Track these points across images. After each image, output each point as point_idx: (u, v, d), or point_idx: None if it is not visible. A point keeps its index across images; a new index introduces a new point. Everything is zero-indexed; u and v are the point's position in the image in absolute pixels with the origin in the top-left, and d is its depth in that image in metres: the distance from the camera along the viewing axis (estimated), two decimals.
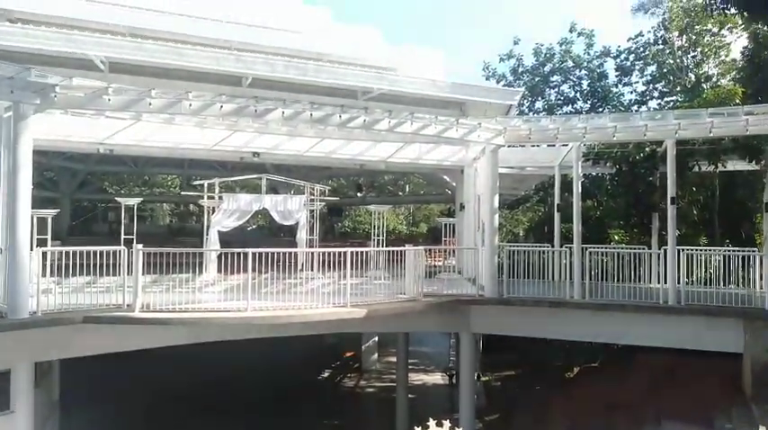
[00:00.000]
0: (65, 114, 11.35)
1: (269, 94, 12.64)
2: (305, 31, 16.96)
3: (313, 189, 14.70)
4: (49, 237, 10.92)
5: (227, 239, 13.25)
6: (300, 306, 10.16)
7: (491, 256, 12.21)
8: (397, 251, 11.87)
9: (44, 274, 9.14)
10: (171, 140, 12.85)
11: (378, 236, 15.03)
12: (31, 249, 9.15)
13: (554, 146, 14.32)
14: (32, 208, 9.15)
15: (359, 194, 28.91)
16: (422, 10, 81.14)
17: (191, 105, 9.58)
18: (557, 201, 15.19)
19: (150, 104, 9.34)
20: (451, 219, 16.68)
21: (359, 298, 10.86)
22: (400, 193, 30.72)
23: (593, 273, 12.29)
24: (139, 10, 14.51)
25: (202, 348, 11.21)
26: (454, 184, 17.79)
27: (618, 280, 12.09)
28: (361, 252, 11.42)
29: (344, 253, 10.76)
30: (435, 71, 17.49)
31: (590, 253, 12.19)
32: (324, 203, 15.73)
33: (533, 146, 14.56)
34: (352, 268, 10.74)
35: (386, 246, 14.27)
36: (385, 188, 30.87)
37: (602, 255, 12.74)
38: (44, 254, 9.20)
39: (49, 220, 11.19)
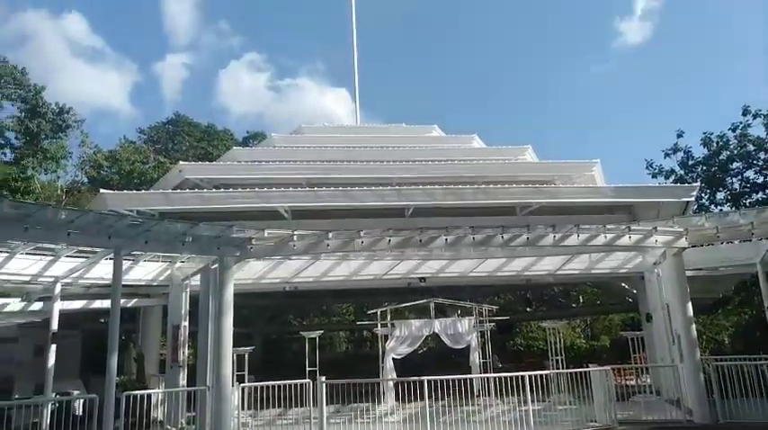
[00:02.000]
0: (257, 260, 12.95)
1: (430, 221, 13.30)
2: (459, 156, 17.84)
3: (481, 309, 14.52)
4: (246, 372, 12.02)
5: (398, 363, 13.43)
6: None
7: (695, 374, 10.69)
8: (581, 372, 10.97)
9: (243, 408, 10.02)
10: (345, 273, 13.87)
11: (556, 355, 14.09)
12: (232, 385, 10.15)
13: (749, 240, 12.66)
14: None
15: (528, 309, 27.76)
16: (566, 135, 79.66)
17: (362, 242, 10.41)
18: (767, 303, 13.01)
19: (328, 246, 10.33)
20: (638, 332, 15.10)
21: (543, 427, 10.08)
22: (573, 305, 28.85)
23: None
24: (313, 162, 16.62)
25: None
26: (635, 292, 16.32)
27: None
28: (541, 375, 10.75)
29: (522, 376, 10.23)
30: (594, 177, 16.97)
31: None
32: (493, 322, 15.36)
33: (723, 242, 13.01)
34: (532, 392, 10.12)
35: (566, 365, 13.32)
36: (556, 300, 29.30)
37: None
38: (243, 389, 10.16)
39: (246, 357, 12.36)
